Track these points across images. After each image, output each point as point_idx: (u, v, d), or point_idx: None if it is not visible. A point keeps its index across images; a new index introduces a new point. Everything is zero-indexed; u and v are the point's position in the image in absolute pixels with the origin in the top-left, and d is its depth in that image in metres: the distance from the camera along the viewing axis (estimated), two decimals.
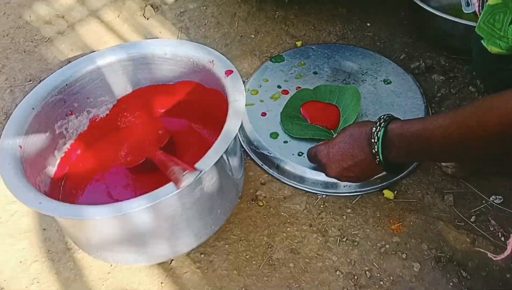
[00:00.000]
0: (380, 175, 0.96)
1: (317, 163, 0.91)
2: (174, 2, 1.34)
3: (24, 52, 1.24)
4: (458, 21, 1.08)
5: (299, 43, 1.24)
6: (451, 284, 0.86)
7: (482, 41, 0.78)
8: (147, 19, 1.31)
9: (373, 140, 0.79)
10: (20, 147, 0.81)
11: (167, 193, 0.69)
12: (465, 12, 1.19)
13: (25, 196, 0.71)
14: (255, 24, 1.29)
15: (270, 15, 1.31)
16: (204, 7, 1.33)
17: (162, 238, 0.78)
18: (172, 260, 0.89)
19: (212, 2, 1.34)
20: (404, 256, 0.89)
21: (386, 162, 0.80)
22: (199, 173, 0.70)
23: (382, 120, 0.79)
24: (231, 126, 0.77)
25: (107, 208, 0.68)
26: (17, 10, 1.33)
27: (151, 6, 1.33)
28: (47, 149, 0.89)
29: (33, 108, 0.86)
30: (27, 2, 1.34)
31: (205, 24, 1.29)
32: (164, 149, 0.91)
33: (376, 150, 0.79)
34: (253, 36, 1.27)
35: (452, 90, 1.14)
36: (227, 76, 0.86)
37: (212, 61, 0.89)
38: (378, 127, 0.79)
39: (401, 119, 0.80)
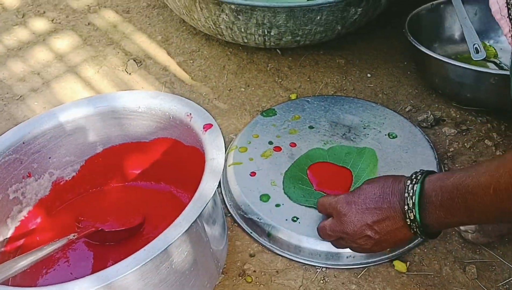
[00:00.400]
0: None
1: (333, 213, 0.76)
2: (159, 56, 1.25)
3: None
4: (469, 67, 0.97)
5: (293, 96, 1.13)
6: None
7: None
8: (129, 74, 1.21)
9: (406, 194, 0.67)
10: None
11: (119, 273, 0.55)
12: (474, 59, 1.09)
13: None
14: (246, 77, 1.19)
15: (261, 67, 1.21)
16: (191, 61, 1.24)
17: None
18: None
19: (199, 56, 1.25)
20: None
21: (422, 222, 0.67)
22: None
23: (419, 173, 0.68)
24: (205, 189, 0.64)
25: None
26: None
27: (134, 60, 1.24)
28: None
29: None
30: (1, 59, 1.26)
31: (191, 78, 1.19)
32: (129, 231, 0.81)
33: (410, 205, 0.66)
34: (243, 89, 1.16)
35: (466, 144, 1.01)
36: (205, 131, 0.74)
37: (190, 114, 0.77)
38: (414, 180, 0.67)
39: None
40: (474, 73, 0.97)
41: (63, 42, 1.30)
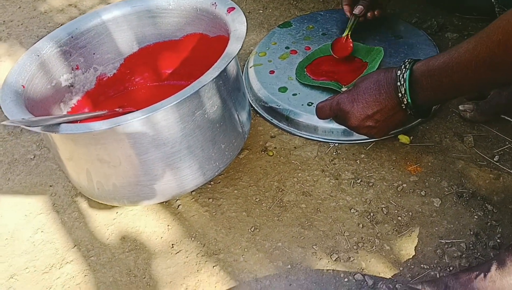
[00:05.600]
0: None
1: (337, 112, 0.85)
2: None
3: (37, 37, 1.26)
4: None
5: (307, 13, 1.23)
6: (475, 217, 0.80)
7: None
8: None
9: (399, 83, 0.77)
10: (23, 86, 0.80)
11: (163, 105, 0.67)
12: None
13: (12, 112, 0.70)
14: (263, 1, 1.30)
15: None
16: None
17: (165, 167, 0.75)
18: (180, 205, 0.86)
19: None
20: (422, 193, 0.84)
21: (414, 105, 0.77)
22: None
23: (407, 62, 0.77)
24: (231, 49, 0.76)
25: (101, 122, 0.67)
26: (32, 4, 1.37)
27: None
28: (52, 99, 0.89)
29: (38, 56, 0.86)
30: None
31: None
32: None
33: (403, 92, 0.76)
34: (261, 11, 1.27)
35: None
36: (229, 13, 0.85)
37: (215, 3, 0.88)
38: (404, 70, 0.76)
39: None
40: None
41: None
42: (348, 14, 1.06)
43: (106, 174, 0.76)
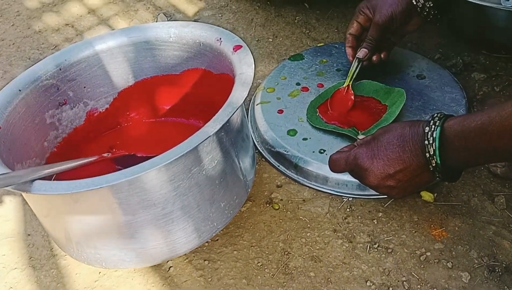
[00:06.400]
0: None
1: (354, 168, 0.74)
2: (188, 11, 1.27)
3: (29, 59, 1.17)
4: (499, 7, 0.95)
5: (321, 45, 1.13)
6: None
7: None
8: None
9: (427, 142, 0.66)
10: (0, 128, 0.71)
11: (154, 165, 0.57)
12: (503, 6, 1.07)
13: None
14: (274, 29, 1.21)
15: (289, 20, 1.23)
16: (220, 15, 1.26)
17: (154, 230, 0.65)
18: (171, 267, 0.76)
19: (228, 10, 1.27)
20: (449, 265, 0.74)
21: (444, 167, 0.66)
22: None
23: (437, 118, 0.66)
24: (235, 96, 0.66)
25: (79, 182, 0.57)
26: (26, 22, 1.28)
27: (164, 14, 1.26)
28: (35, 138, 0.79)
29: (20, 90, 0.77)
30: (37, 14, 1.30)
31: None
32: None
33: (431, 152, 0.65)
34: (271, 40, 1.18)
35: (495, 88, 1.01)
36: (235, 51, 0.75)
37: (220, 38, 0.79)
38: (433, 127, 0.66)
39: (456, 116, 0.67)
40: (504, 13, 0.96)
41: None
42: (350, 58, 0.95)
43: (87, 235, 0.66)
